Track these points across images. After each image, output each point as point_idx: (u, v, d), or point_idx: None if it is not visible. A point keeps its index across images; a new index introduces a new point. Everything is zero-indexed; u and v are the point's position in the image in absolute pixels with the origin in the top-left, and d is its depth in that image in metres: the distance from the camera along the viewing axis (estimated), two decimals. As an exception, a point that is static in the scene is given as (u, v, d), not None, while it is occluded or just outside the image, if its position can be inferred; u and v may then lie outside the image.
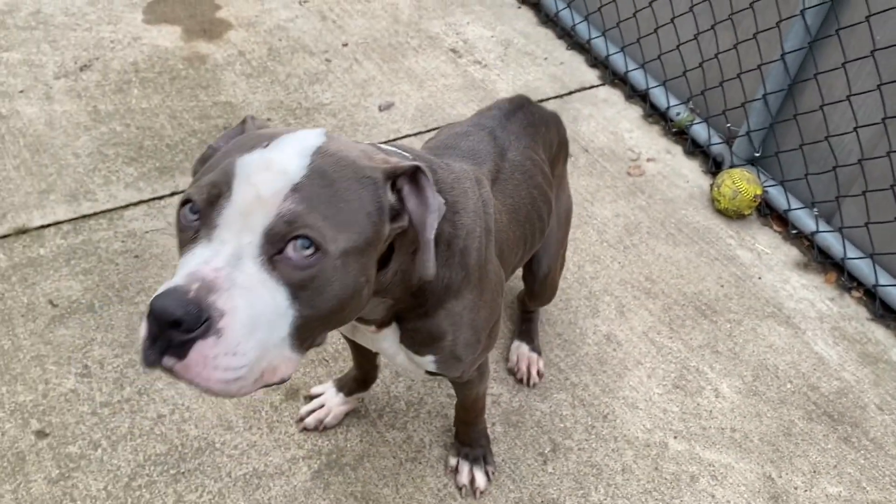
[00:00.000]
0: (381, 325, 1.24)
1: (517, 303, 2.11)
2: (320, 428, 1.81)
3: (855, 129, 2.27)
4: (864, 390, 2.11)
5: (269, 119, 2.59)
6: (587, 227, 2.43)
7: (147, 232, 2.18)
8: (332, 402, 1.82)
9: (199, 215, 0.92)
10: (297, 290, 0.91)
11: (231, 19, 2.98)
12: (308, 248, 0.90)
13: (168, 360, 0.86)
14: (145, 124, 2.50)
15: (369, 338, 1.31)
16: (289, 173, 0.92)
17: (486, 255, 1.27)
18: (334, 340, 1.99)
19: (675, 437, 1.93)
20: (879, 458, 1.96)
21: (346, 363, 1.93)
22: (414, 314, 1.22)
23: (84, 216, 2.19)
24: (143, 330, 0.87)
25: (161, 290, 0.86)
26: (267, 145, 0.95)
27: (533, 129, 1.62)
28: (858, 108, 2.27)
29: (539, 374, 2.00)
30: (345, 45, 2.97)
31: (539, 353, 2.03)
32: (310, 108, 2.66)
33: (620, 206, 2.52)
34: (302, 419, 1.82)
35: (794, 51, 2.34)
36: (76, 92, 2.56)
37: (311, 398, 1.87)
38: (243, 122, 1.11)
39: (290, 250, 0.90)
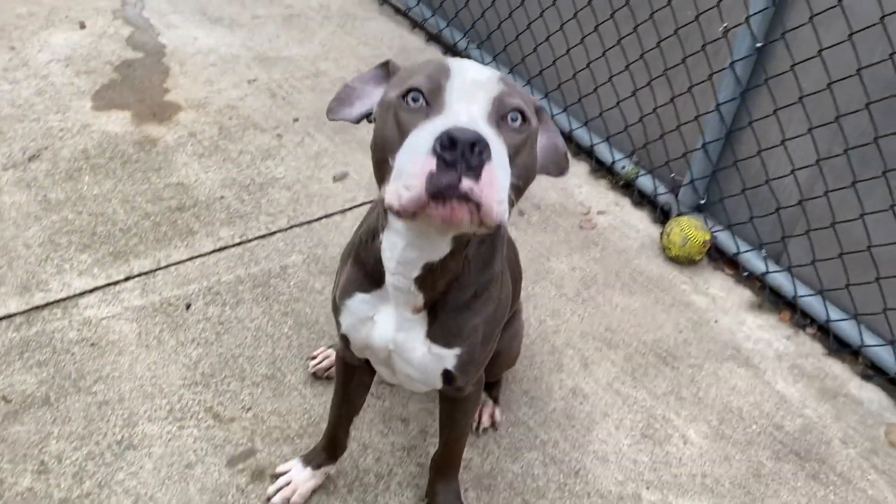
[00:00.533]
0: (425, 304, 1.33)
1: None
2: None
3: (792, 171, 2.37)
4: (826, 425, 2.14)
5: (222, 197, 2.60)
6: (545, 281, 2.46)
7: (103, 318, 2.15)
8: (298, 478, 1.79)
9: (423, 98, 1.11)
10: (513, 154, 1.10)
11: (180, 101, 3.01)
12: (517, 119, 1.12)
13: (467, 182, 0.99)
14: (97, 210, 2.49)
15: (388, 335, 1.37)
16: (491, 71, 1.15)
17: (505, 260, 1.44)
18: (298, 415, 1.96)
19: (648, 488, 1.93)
20: (848, 492, 1.98)
21: (311, 440, 1.90)
22: (460, 298, 1.33)
23: (37, 307, 2.15)
24: (426, 165, 1.00)
25: (443, 128, 1.00)
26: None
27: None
28: (794, 152, 2.37)
29: (493, 420, 2.00)
30: (295, 120, 3.01)
31: (496, 402, 2.03)
32: (263, 184, 2.68)
33: (576, 259, 2.57)
34: (269, 499, 1.78)
35: (728, 101, 2.45)
36: (25, 182, 2.55)
37: (277, 477, 1.83)
38: (386, 63, 1.30)
39: (509, 119, 1.12)
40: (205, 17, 3.54)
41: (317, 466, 1.79)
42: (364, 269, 1.38)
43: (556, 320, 2.34)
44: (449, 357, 1.38)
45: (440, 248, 1.24)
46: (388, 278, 1.32)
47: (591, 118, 3.00)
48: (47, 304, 2.17)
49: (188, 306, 2.22)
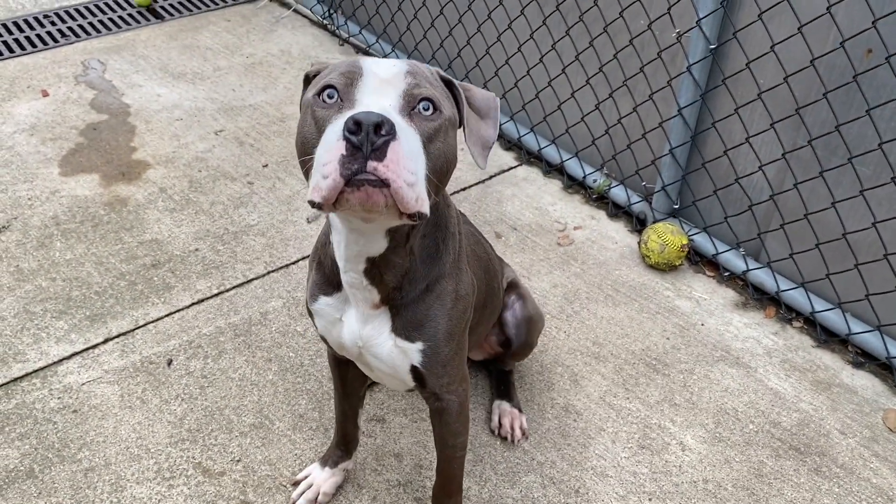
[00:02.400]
0: (382, 301, 1.40)
1: (491, 366, 2.17)
2: None
3: (760, 167, 2.38)
4: (823, 417, 2.13)
5: (196, 249, 2.58)
6: (528, 303, 2.44)
7: (84, 384, 2.12)
8: (319, 478, 1.85)
9: (338, 95, 1.18)
10: (427, 141, 1.17)
11: (148, 159, 3.00)
12: (429, 109, 1.19)
13: (372, 163, 1.07)
14: (71, 275, 2.46)
15: (356, 332, 1.44)
16: (400, 65, 1.22)
17: (462, 254, 1.50)
18: (289, 462, 1.93)
19: (650, 500, 1.90)
20: (852, 482, 1.96)
21: (304, 484, 1.87)
22: (412, 291, 1.40)
23: (15, 379, 2.12)
24: (337, 150, 1.08)
25: (349, 115, 1.08)
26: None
27: (478, 233, 1.86)
28: (759, 148, 2.38)
29: (523, 431, 2.02)
30: (265, 165, 3.01)
31: (521, 410, 2.06)
32: (237, 232, 2.67)
33: (556, 276, 2.56)
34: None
35: (689, 105, 2.47)
36: (-3, 254, 2.53)
37: (297, 484, 1.87)
38: (306, 76, 1.35)
39: (420, 108, 1.18)
40: (167, 73, 3.55)
41: (334, 464, 1.86)
42: (323, 272, 1.46)
43: (543, 339, 2.32)
44: (413, 352, 1.44)
45: (378, 243, 1.32)
46: (343, 277, 1.40)
47: (558, 135, 3.01)
48: (25, 375, 2.13)
49: (170, 362, 2.19)
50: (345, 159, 1.08)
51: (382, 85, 1.18)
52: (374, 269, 1.35)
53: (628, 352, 2.29)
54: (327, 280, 1.46)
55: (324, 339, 1.56)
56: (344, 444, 1.85)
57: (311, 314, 1.53)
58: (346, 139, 1.07)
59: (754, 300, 2.49)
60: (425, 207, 1.15)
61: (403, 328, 1.43)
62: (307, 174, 1.19)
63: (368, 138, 1.07)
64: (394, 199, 1.10)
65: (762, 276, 2.47)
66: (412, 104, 1.19)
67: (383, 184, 1.08)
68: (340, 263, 1.38)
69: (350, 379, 1.74)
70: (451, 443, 1.63)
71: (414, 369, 1.47)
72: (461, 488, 1.74)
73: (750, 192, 2.47)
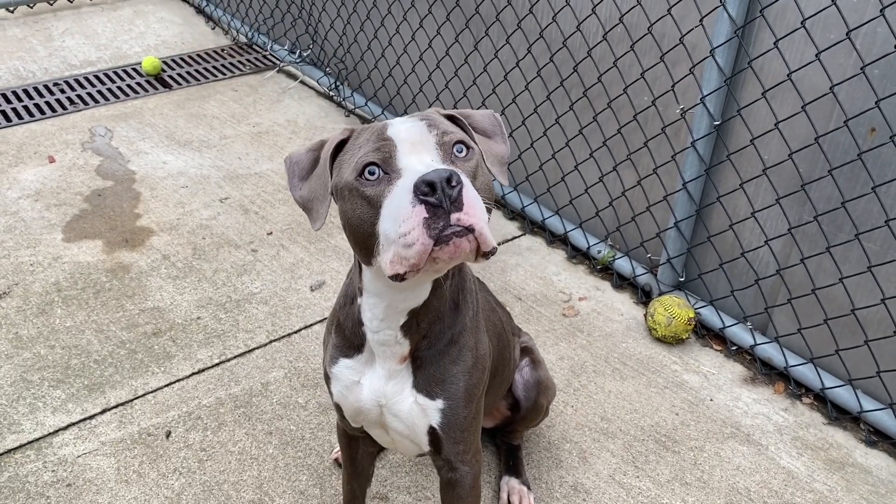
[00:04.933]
0: (410, 352, 1.41)
1: (500, 440, 2.12)
2: None
3: (766, 242, 2.38)
4: (839, 499, 2.07)
5: (198, 317, 2.55)
6: (534, 376, 2.40)
7: (79, 456, 2.06)
8: None
9: (379, 170, 1.20)
10: (472, 179, 1.22)
11: (152, 225, 3.00)
12: (462, 150, 1.24)
13: (455, 215, 1.10)
14: (71, 343, 2.42)
15: (379, 390, 1.43)
16: (418, 123, 1.26)
17: (479, 312, 1.51)
18: (291, 542, 1.86)
19: (664, 585, 1.83)
20: (872, 568, 1.89)
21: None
22: (438, 342, 1.41)
23: (9, 451, 2.06)
24: (418, 215, 1.10)
25: (417, 179, 1.11)
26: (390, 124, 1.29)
27: (495, 300, 1.87)
28: (765, 223, 2.39)
29: None
30: (269, 233, 3.01)
31: (528, 487, 2.01)
32: (240, 300, 2.64)
33: (562, 348, 2.53)
34: None
35: (694, 179, 2.48)
36: (-5, 321, 2.49)
37: None
38: (352, 130, 1.36)
39: (455, 152, 1.23)
40: (173, 141, 3.59)
41: None
42: (343, 334, 1.45)
43: (550, 414, 2.27)
44: (433, 410, 1.43)
45: (424, 292, 1.34)
46: (371, 336, 1.40)
47: (561, 206, 3.02)
48: (20, 447, 2.08)
49: (168, 434, 2.14)
50: (428, 221, 1.10)
51: (416, 146, 1.22)
52: (413, 320, 1.37)
53: (637, 427, 2.25)
54: (347, 342, 1.45)
55: (338, 409, 1.53)
56: None
57: (327, 380, 1.51)
58: (424, 202, 1.10)
59: (763, 375, 2.46)
60: (493, 246, 1.19)
61: (425, 384, 1.42)
62: (367, 253, 1.22)
63: (445, 194, 1.10)
64: (478, 241, 1.13)
65: (770, 351, 2.45)
66: (448, 151, 1.23)
67: (468, 231, 1.12)
68: (373, 324, 1.37)
69: (360, 457, 1.70)
70: None
71: (432, 431, 1.45)
72: None
73: (756, 267, 2.46)
